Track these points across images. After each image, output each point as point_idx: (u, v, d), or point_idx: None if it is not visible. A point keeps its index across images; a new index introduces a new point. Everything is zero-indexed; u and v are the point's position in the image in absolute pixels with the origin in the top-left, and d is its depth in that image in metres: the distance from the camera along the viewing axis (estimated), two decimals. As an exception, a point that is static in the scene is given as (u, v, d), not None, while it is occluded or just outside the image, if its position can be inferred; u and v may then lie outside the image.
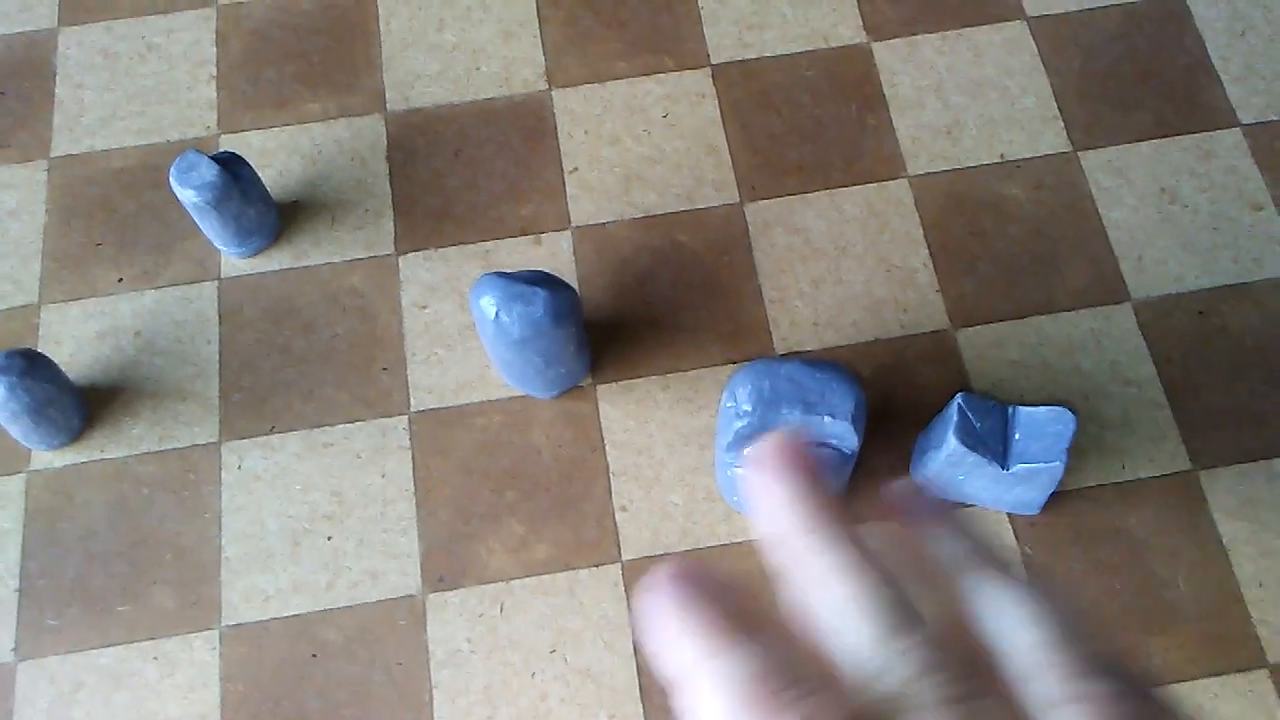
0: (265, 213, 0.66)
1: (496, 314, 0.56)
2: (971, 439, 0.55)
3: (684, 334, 0.65)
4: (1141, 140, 0.70)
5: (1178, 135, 0.70)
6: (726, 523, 0.61)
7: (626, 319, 0.66)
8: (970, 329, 0.65)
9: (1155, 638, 0.58)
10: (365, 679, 0.58)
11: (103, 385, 0.64)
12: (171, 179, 0.62)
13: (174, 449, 0.63)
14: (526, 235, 0.68)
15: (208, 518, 0.61)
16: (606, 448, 0.63)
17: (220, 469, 0.62)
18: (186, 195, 0.62)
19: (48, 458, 0.62)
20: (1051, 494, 0.59)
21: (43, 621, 0.59)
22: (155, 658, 0.58)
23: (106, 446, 0.63)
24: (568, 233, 0.68)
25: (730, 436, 0.56)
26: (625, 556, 0.60)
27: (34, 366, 0.58)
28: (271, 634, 0.59)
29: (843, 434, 0.55)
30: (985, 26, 0.74)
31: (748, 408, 0.55)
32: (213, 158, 0.63)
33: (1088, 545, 0.60)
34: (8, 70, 0.73)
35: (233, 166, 0.63)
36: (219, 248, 0.67)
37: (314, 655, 0.58)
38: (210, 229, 0.65)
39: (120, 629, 0.59)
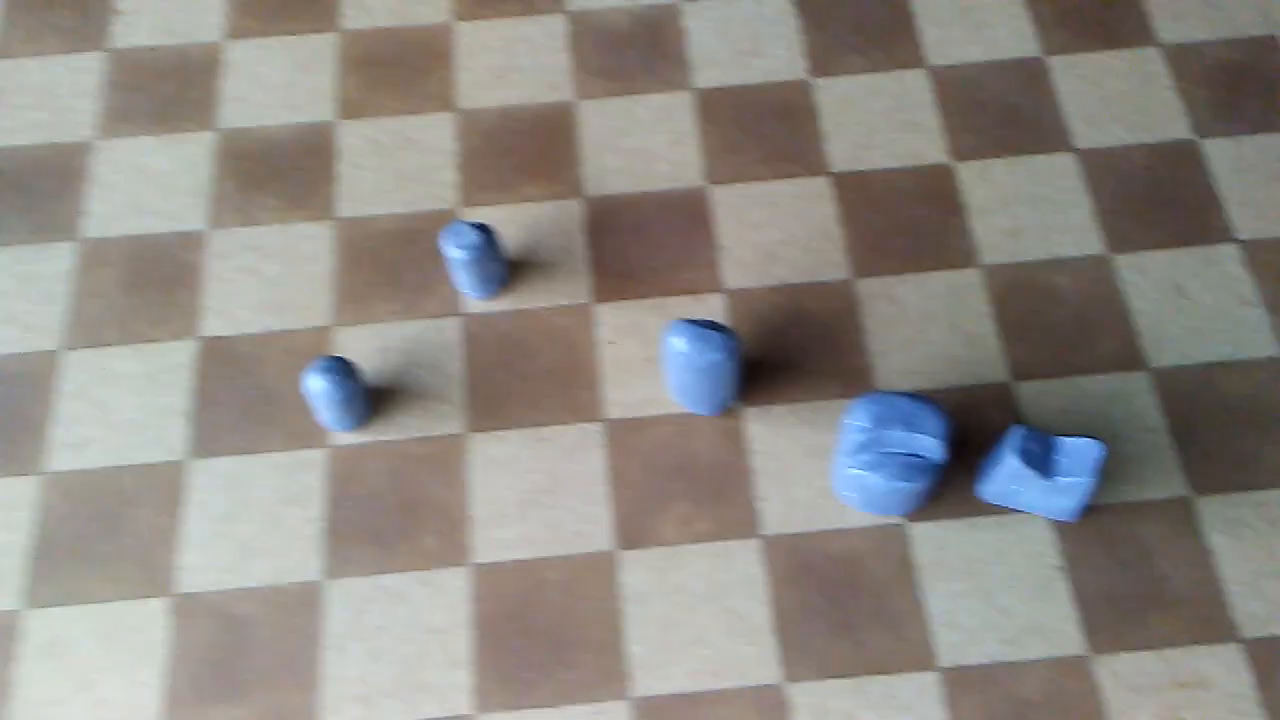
0: (501, 268, 0.89)
1: (687, 349, 0.79)
2: (1026, 457, 0.77)
3: (808, 375, 0.88)
4: (1161, 249, 0.92)
5: (1188, 246, 0.92)
6: (839, 514, 0.83)
7: (765, 361, 0.88)
8: (1025, 382, 0.87)
9: (1155, 614, 0.79)
10: (575, 608, 0.79)
11: (380, 388, 0.87)
12: (442, 239, 0.85)
13: (433, 436, 0.85)
14: (689, 294, 0.91)
15: (459, 487, 0.84)
16: (751, 454, 0.85)
17: (467, 452, 0.85)
18: (454, 252, 0.85)
19: (343, 437, 0.85)
20: (1085, 506, 0.80)
21: (342, 553, 0.81)
22: (424, 583, 0.80)
23: (386, 431, 0.85)
24: (720, 294, 0.91)
25: (850, 445, 0.78)
26: (764, 533, 0.82)
27: (348, 369, 0.81)
28: (507, 571, 0.81)
29: (933, 448, 0.76)
30: (1043, 155, 0.96)
31: (866, 425, 0.77)
32: (472, 225, 0.86)
33: (1109, 545, 0.81)
34: (302, 150, 0.98)
35: (485, 232, 0.86)
36: (464, 292, 0.90)
37: (537, 589, 0.80)
38: (462, 278, 0.88)
39: (398, 561, 0.81)
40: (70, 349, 0.89)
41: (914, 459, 0.77)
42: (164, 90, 1.01)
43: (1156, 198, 0.94)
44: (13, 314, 0.90)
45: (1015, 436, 0.77)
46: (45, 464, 0.85)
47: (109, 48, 1.03)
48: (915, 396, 0.78)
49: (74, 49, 1.03)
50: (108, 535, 0.82)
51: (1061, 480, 0.77)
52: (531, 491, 0.84)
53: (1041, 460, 0.77)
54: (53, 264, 0.92)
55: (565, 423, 0.86)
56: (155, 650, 0.78)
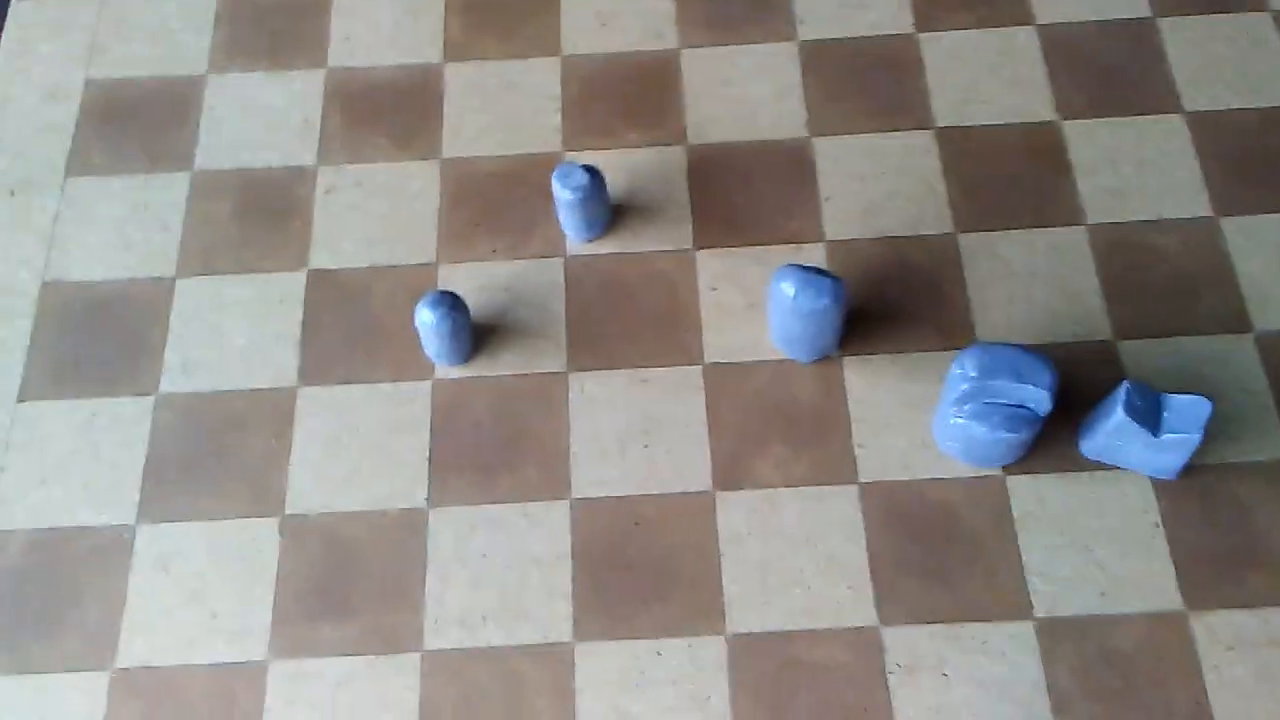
0: (605, 211, 0.90)
1: (795, 294, 0.79)
2: (1134, 412, 0.77)
3: (910, 325, 0.88)
4: (1269, 212, 0.91)
5: (1298, 210, 0.91)
6: (937, 463, 0.83)
7: (866, 311, 0.89)
8: (1128, 341, 0.87)
9: (1252, 573, 0.79)
10: (672, 545, 0.81)
11: (483, 325, 0.89)
12: (554, 180, 0.86)
13: (535, 373, 0.87)
14: (791, 244, 0.91)
15: (560, 423, 0.85)
16: (848, 402, 0.85)
17: (568, 390, 0.86)
18: (563, 193, 0.86)
19: (448, 371, 0.87)
20: (1186, 464, 0.80)
21: (446, 481, 0.83)
22: (525, 514, 0.82)
23: (489, 367, 0.87)
24: (822, 244, 0.91)
25: (956, 394, 0.78)
26: (861, 480, 0.83)
27: (457, 303, 0.83)
28: (606, 506, 0.82)
29: (1040, 400, 0.77)
30: (1151, 116, 0.96)
31: (973, 374, 0.77)
32: (582, 167, 0.87)
33: (1208, 505, 0.81)
34: (409, 91, 0.99)
35: (594, 175, 0.87)
36: (567, 233, 0.91)
37: (636, 524, 0.81)
38: (567, 220, 0.89)
39: (501, 491, 0.82)
40: (184, 276, 0.91)
41: (1020, 410, 0.77)
42: (275, 27, 1.02)
43: (1265, 161, 0.93)
44: (130, 240, 0.93)
45: (1124, 391, 0.77)
46: (160, 385, 0.87)
47: (221, -15, 1.05)
48: (1023, 348, 0.78)
49: (187, -15, 1.05)
50: (218, 456, 0.84)
51: (1168, 437, 0.77)
52: (631, 430, 0.85)
53: (1149, 416, 0.77)
54: (167, 193, 0.95)
55: (665, 365, 0.87)
56: (264, 568, 0.81)
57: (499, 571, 0.80)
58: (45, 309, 0.90)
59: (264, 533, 0.82)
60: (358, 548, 0.81)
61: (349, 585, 0.80)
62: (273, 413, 0.86)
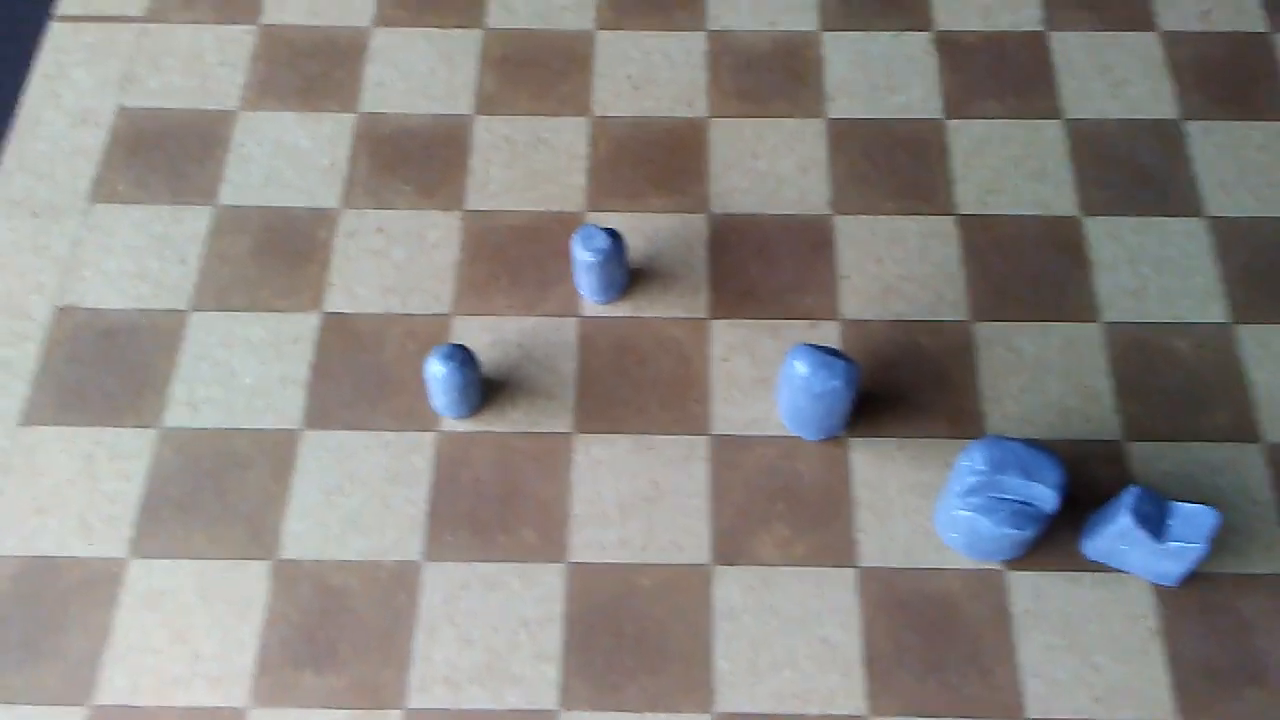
0: (623, 274, 0.90)
1: (808, 374, 0.79)
2: (1140, 518, 0.76)
3: (920, 411, 0.87)
4: (1286, 323, 0.91)
5: (1316, 323, 0.91)
6: (937, 553, 0.82)
7: (876, 393, 0.88)
8: (1137, 443, 0.86)
9: (1250, 689, 0.77)
10: (665, 616, 0.80)
11: (492, 379, 0.88)
12: (575, 242, 0.86)
13: (541, 432, 0.86)
14: (806, 320, 0.91)
15: (562, 484, 0.84)
16: (853, 484, 0.85)
17: (573, 452, 0.86)
18: (583, 255, 0.86)
19: (454, 424, 0.86)
20: (1188, 572, 0.79)
21: (443, 536, 0.82)
22: (520, 575, 0.81)
23: (494, 423, 0.87)
24: (837, 323, 0.91)
25: (963, 486, 0.77)
26: (861, 564, 0.82)
27: (468, 358, 0.83)
28: (602, 573, 0.81)
29: (1047, 498, 0.76)
30: (1173, 218, 0.96)
31: (982, 467, 0.76)
32: (604, 230, 0.87)
33: (1209, 617, 0.80)
34: (437, 140, 1.00)
35: (615, 238, 0.87)
36: (583, 294, 0.91)
37: (630, 593, 0.81)
38: (585, 281, 0.89)
39: (496, 550, 0.82)
40: (198, 310, 0.91)
41: (1026, 507, 0.77)
42: (309, 69, 1.03)
43: (1285, 272, 0.93)
44: (147, 271, 0.93)
45: (1131, 496, 0.76)
46: (163, 419, 0.87)
47: (260, 23, 1.06)
48: (1033, 444, 0.77)
49: (226, 20, 1.06)
50: (216, 495, 0.84)
51: (1173, 545, 0.76)
52: (633, 497, 0.84)
53: (1155, 523, 0.76)
54: (188, 226, 0.95)
55: (672, 433, 0.87)
56: (252, 611, 0.80)
57: (488, 632, 0.79)
58: (56, 334, 0.90)
59: (256, 576, 0.81)
60: (349, 598, 0.80)
61: (336, 635, 0.79)
62: (274, 454, 0.85)
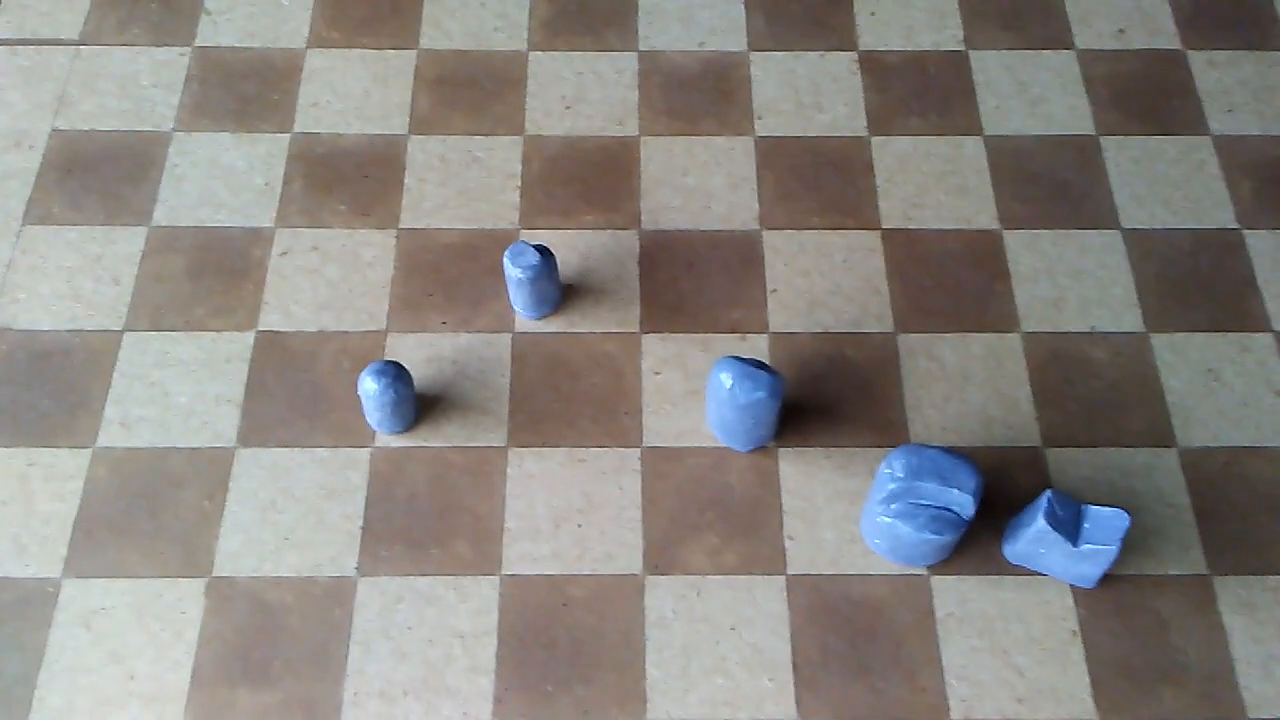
0: (555, 290, 0.92)
1: (732, 385, 0.81)
2: (1055, 521, 0.78)
3: (846, 421, 0.90)
4: (1197, 331, 0.94)
5: (1225, 332, 0.94)
6: (864, 559, 0.84)
7: (804, 404, 0.90)
8: (1056, 449, 0.89)
9: (1166, 688, 0.80)
10: (598, 626, 0.81)
11: (427, 395, 0.90)
12: (506, 259, 0.88)
13: (475, 446, 0.88)
14: (735, 333, 0.93)
15: (495, 498, 0.86)
16: (781, 493, 0.87)
17: (506, 465, 0.87)
18: (514, 272, 0.88)
19: (388, 439, 0.87)
20: (1105, 574, 0.82)
21: (378, 551, 0.83)
22: (454, 588, 0.82)
23: (429, 438, 0.88)
24: (766, 335, 0.93)
25: (883, 494, 0.79)
26: (790, 572, 0.84)
27: (401, 374, 0.84)
28: (535, 584, 0.82)
29: (964, 504, 0.78)
30: (1090, 230, 0.99)
31: (900, 475, 0.79)
32: (534, 247, 0.89)
33: (1125, 615, 0.83)
34: (372, 160, 1.01)
35: (545, 255, 0.89)
36: (516, 310, 0.93)
37: (564, 604, 0.82)
38: (517, 297, 0.91)
39: (431, 564, 0.83)
40: (132, 330, 0.92)
41: (945, 513, 0.79)
42: (244, 90, 1.04)
43: (1197, 282, 0.96)
44: (80, 291, 0.93)
45: (1045, 500, 0.79)
46: (97, 439, 0.87)
47: (194, 45, 1.06)
48: (951, 452, 0.80)
49: (161, 42, 1.07)
50: (150, 514, 0.84)
51: (1086, 547, 0.79)
52: (565, 509, 0.85)
53: (1069, 526, 0.79)
54: (122, 247, 0.95)
55: (604, 446, 0.88)
56: (187, 630, 0.80)
57: (423, 645, 0.80)
58: (-11, 355, 0.90)
59: (190, 594, 0.81)
60: (283, 614, 0.81)
61: (271, 652, 0.80)
62: (209, 473, 0.86)
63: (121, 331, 0.92)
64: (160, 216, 0.97)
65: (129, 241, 0.96)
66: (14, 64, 1.06)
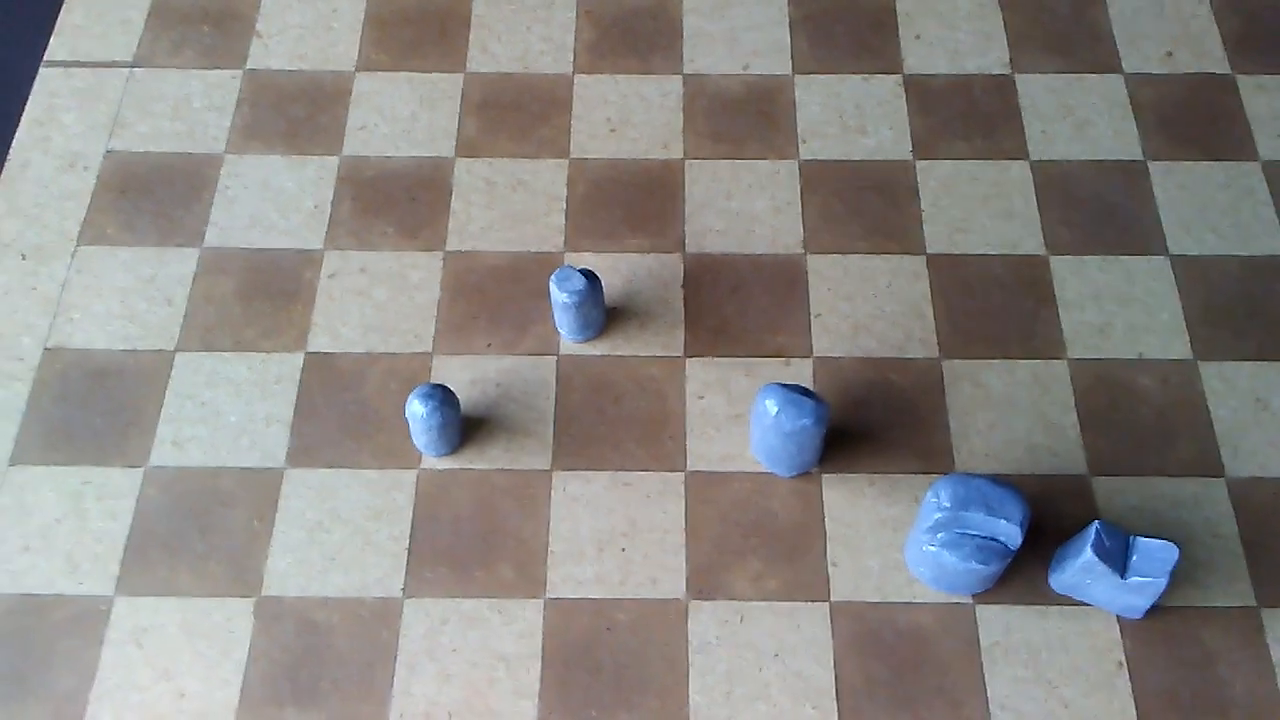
0: (599, 314, 0.93)
1: (777, 412, 0.81)
2: (1103, 553, 0.78)
3: (890, 447, 0.89)
4: (1246, 360, 0.93)
5: (1275, 361, 0.93)
6: (908, 587, 0.84)
7: (848, 429, 0.90)
8: (1103, 478, 0.88)
9: (1216, 721, 0.79)
10: (641, 651, 0.81)
11: (472, 417, 0.90)
12: (552, 283, 0.89)
13: (520, 470, 0.88)
14: (779, 357, 0.93)
15: (539, 520, 0.86)
16: (825, 520, 0.87)
17: (551, 489, 0.88)
18: (560, 296, 0.88)
19: (434, 462, 0.88)
20: (1153, 605, 0.81)
21: (423, 573, 0.84)
22: (499, 611, 0.83)
23: (474, 460, 0.88)
24: (810, 360, 0.93)
25: (929, 523, 0.79)
26: (833, 599, 0.84)
27: (448, 397, 0.85)
28: (580, 608, 0.83)
29: (1011, 534, 0.78)
30: (1138, 256, 0.98)
31: (947, 504, 0.78)
32: (580, 272, 0.89)
33: (1173, 647, 0.82)
34: (419, 183, 1.02)
35: (591, 279, 0.90)
36: (561, 333, 0.94)
37: (608, 629, 0.82)
38: (562, 321, 0.91)
39: (476, 587, 0.83)
40: (183, 350, 0.93)
41: (991, 542, 0.79)
42: (294, 113, 1.05)
43: (1246, 309, 0.96)
44: (134, 312, 0.95)
45: (1093, 531, 0.78)
46: (149, 458, 0.88)
47: (246, 68, 1.08)
48: (998, 481, 0.79)
49: (213, 65, 1.08)
50: (201, 533, 0.86)
51: (1135, 580, 0.78)
52: (610, 533, 0.86)
53: (1117, 557, 0.78)
54: (174, 268, 0.97)
55: (648, 469, 0.88)
56: (236, 648, 0.81)
57: (467, 668, 0.81)
58: (44, 374, 0.92)
59: (239, 613, 0.83)
60: (330, 634, 0.82)
61: (318, 672, 0.81)
62: (259, 493, 0.87)
63: (174, 351, 0.93)
64: (212, 238, 0.99)
65: (181, 263, 0.97)
66: (69, 85, 1.08)
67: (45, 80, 1.08)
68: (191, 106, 1.06)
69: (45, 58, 1.10)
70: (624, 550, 0.85)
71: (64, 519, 0.86)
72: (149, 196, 1.01)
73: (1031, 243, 0.99)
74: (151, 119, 1.05)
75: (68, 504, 0.87)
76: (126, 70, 1.09)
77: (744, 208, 1.01)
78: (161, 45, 1.10)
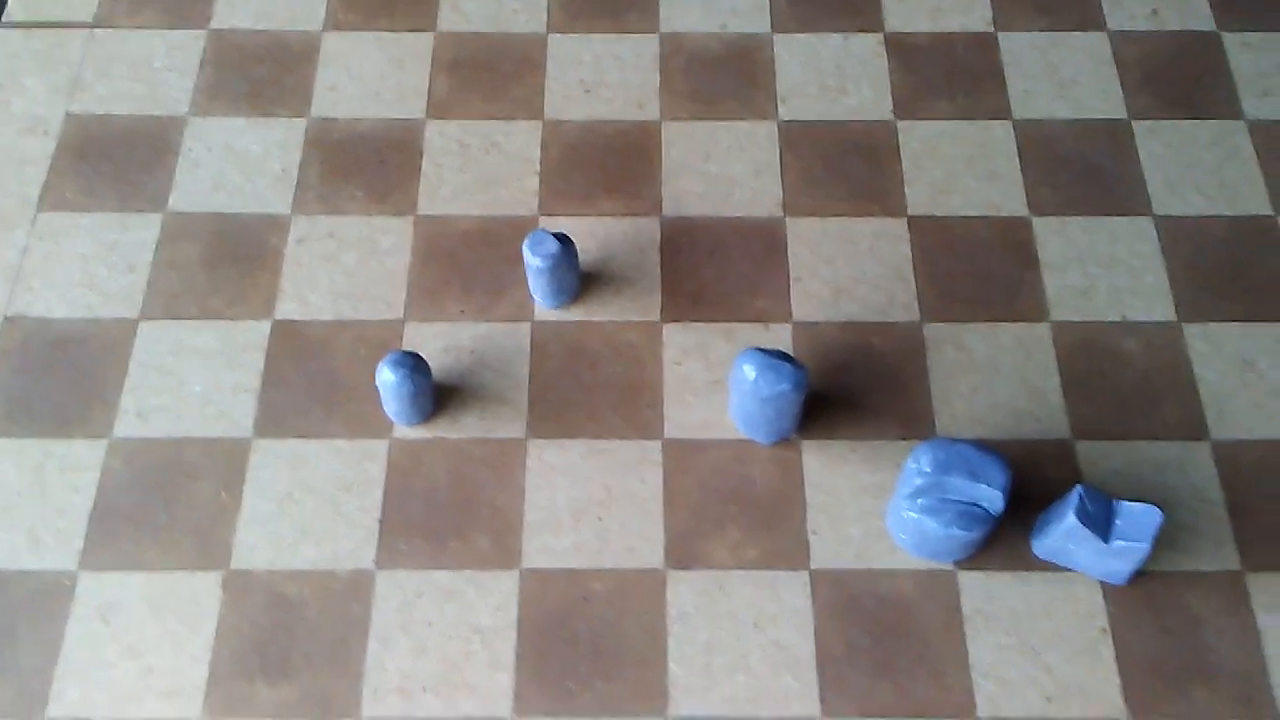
0: (574, 279, 0.90)
1: (755, 378, 0.79)
2: (1085, 518, 0.77)
3: (871, 412, 0.88)
4: (1232, 321, 0.92)
5: (1262, 321, 0.92)
6: (889, 554, 0.83)
7: (828, 395, 0.89)
8: (1086, 442, 0.87)
9: (1197, 687, 0.79)
10: (619, 621, 0.80)
11: (445, 385, 0.88)
12: (525, 248, 0.86)
13: (494, 438, 0.86)
14: (758, 322, 0.92)
15: (515, 490, 0.84)
16: (805, 487, 0.85)
17: (526, 457, 0.86)
18: (533, 261, 0.86)
19: (406, 431, 0.86)
20: (1136, 570, 0.80)
21: (396, 545, 0.82)
22: (474, 583, 0.81)
23: (447, 429, 0.86)
24: (789, 325, 0.92)
25: (910, 489, 0.78)
26: (813, 566, 0.82)
27: (419, 365, 0.82)
28: (555, 579, 0.81)
29: (993, 499, 0.77)
30: (1121, 217, 0.97)
31: (927, 470, 0.77)
32: (554, 235, 0.87)
33: (1157, 612, 0.81)
34: (390, 145, 0.99)
35: (565, 243, 0.87)
36: (535, 299, 0.91)
37: (585, 599, 0.81)
38: (536, 286, 0.89)
39: (450, 558, 0.82)
40: (147, 319, 0.91)
41: (973, 508, 0.77)
42: (259, 74, 1.02)
43: (1232, 270, 0.94)
44: (95, 280, 0.92)
45: (1076, 496, 0.77)
46: (113, 429, 0.86)
47: (210, 27, 1.05)
48: (979, 446, 0.78)
49: (175, 24, 1.05)
50: (166, 505, 0.84)
51: (1118, 544, 0.77)
52: (586, 502, 0.84)
53: (1100, 522, 0.77)
54: (137, 234, 0.94)
55: (625, 437, 0.87)
56: (204, 623, 0.80)
57: (442, 641, 0.79)
58: (4, 344, 0.89)
59: (207, 587, 0.81)
60: (301, 608, 0.80)
61: (289, 646, 0.79)
62: (225, 464, 0.85)
63: (137, 320, 0.91)
64: (175, 203, 0.96)
65: (144, 228, 0.95)
66: (28, 47, 1.04)
67: (4, 41, 1.05)
68: (153, 67, 1.03)
69: (3, 18, 1.06)
70: (601, 520, 0.84)
71: (25, 492, 0.84)
72: (110, 160, 0.98)
73: (1014, 204, 0.97)
74: (112, 81, 1.02)
75: (29, 477, 0.84)
76: (86, 31, 1.05)
77: (722, 170, 0.99)
78: (122, 5, 1.07)
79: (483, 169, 0.98)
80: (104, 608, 0.80)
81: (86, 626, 0.79)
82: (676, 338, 0.91)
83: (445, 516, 0.83)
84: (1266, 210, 0.97)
